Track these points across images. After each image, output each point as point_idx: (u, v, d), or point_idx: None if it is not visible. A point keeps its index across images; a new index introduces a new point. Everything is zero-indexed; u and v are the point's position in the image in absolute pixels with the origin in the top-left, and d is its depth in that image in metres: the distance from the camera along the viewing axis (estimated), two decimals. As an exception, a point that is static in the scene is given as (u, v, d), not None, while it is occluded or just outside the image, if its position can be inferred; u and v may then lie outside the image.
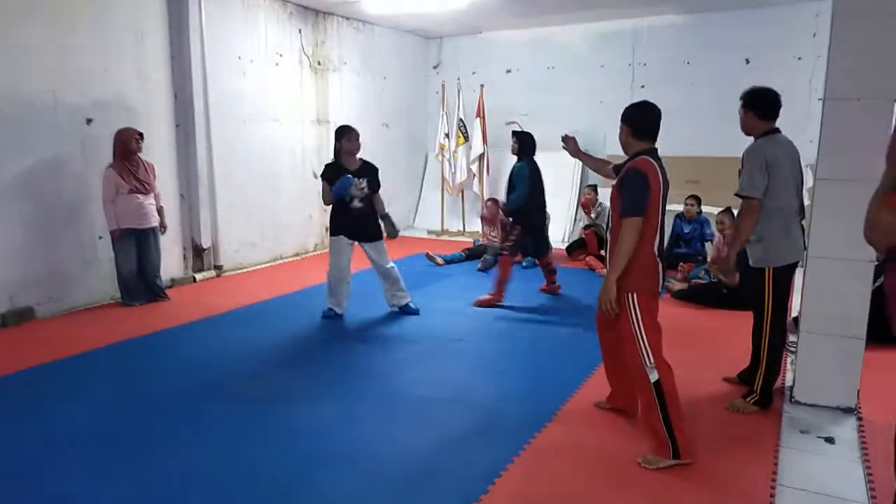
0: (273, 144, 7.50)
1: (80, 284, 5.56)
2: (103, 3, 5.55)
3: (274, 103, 7.42)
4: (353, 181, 4.95)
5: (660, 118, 3.05)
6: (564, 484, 2.83)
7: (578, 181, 8.98)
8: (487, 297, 5.69)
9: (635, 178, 2.90)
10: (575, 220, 8.76)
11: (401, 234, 5.71)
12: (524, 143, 5.85)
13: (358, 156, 5.14)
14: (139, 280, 5.67)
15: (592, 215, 7.77)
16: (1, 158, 4.93)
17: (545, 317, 5.43)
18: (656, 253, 2.97)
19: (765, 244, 3.38)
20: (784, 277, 3.43)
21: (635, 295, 2.94)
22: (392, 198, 9.47)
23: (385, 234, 5.19)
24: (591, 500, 2.71)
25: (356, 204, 5.05)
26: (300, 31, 7.72)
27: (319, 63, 8.06)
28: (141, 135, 5.49)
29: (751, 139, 3.49)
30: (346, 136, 5.03)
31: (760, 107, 3.43)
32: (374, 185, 5.15)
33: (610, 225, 3.08)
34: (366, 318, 5.27)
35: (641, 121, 3.04)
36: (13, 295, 5.07)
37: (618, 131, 3.11)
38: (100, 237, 5.63)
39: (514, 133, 5.93)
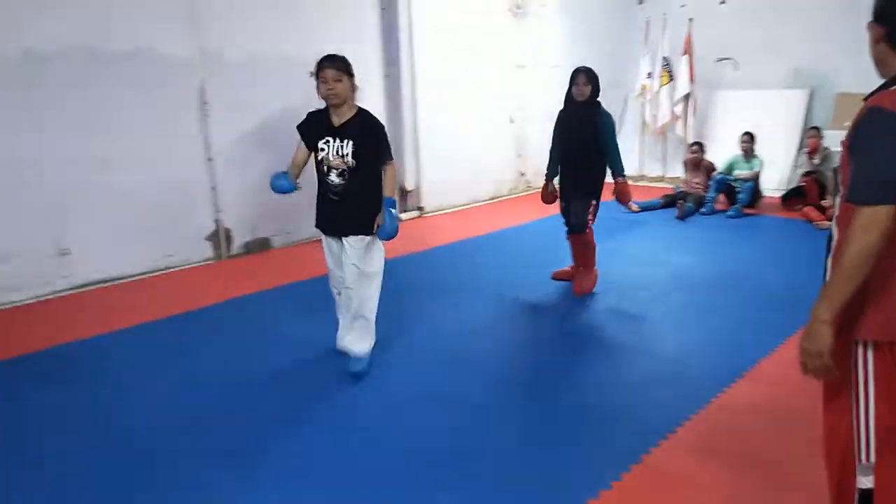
0: (474, 89, 7.73)
1: (307, 219, 6.27)
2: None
3: (476, 48, 7.60)
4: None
5: None
6: (752, 441, 2.75)
7: (801, 123, 8.05)
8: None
9: (880, 125, 1.51)
10: (795, 165, 7.91)
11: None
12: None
13: (357, 103, 3.43)
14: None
15: (815, 161, 6.98)
16: (242, 111, 5.71)
17: (742, 270, 5.09)
18: None
19: None
20: None
21: (870, 347, 1.65)
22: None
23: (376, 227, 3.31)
24: (781, 459, 2.62)
25: (333, 179, 3.29)
26: (501, -26, 7.76)
27: (518, 7, 8.05)
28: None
29: None
30: (318, 73, 3.24)
31: None
32: (372, 151, 3.31)
33: (837, 207, 1.72)
34: (550, 261, 5.29)
35: None
36: (254, 227, 5.97)
37: (864, 55, 1.74)
38: (321, 179, 6.36)
39: (585, 71, 4.53)
